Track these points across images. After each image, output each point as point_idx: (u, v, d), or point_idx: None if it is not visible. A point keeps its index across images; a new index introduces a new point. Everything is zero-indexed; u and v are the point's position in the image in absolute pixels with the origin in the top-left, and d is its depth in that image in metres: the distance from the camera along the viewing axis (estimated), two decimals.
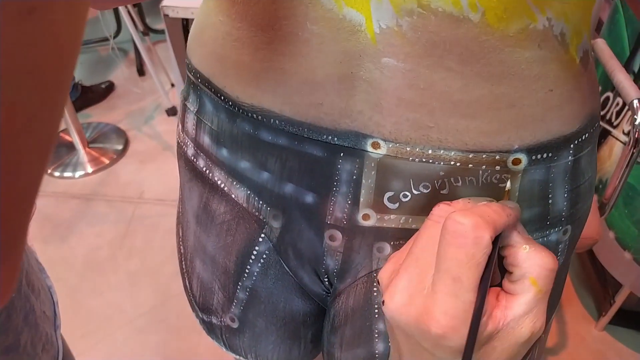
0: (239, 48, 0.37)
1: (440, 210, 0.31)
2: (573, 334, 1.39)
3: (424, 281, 0.30)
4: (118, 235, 1.71)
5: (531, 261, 0.30)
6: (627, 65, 1.24)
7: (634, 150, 0.92)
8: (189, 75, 0.43)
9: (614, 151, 1.27)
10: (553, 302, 0.44)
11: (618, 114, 1.27)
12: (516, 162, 0.34)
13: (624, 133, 1.22)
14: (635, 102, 0.90)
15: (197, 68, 0.41)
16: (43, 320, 0.44)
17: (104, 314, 1.47)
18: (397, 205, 0.37)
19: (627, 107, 1.20)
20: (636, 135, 0.90)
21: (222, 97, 0.39)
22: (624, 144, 1.21)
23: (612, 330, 1.39)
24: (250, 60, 0.36)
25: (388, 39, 0.31)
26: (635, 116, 0.90)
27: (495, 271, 0.33)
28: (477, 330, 0.28)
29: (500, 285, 0.32)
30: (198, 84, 0.42)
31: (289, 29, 0.34)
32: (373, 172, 0.36)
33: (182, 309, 1.46)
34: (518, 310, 0.29)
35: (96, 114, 2.30)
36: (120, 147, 2.08)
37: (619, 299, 1.31)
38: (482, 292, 0.28)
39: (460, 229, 0.28)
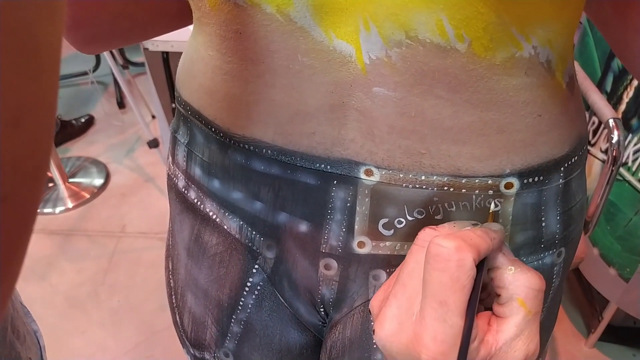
0: (229, 81, 0.37)
1: (426, 234, 0.31)
2: (564, 352, 1.39)
3: (412, 307, 0.30)
4: (100, 270, 1.67)
5: (517, 282, 0.30)
6: (599, 86, 1.28)
7: (613, 168, 0.94)
8: (179, 107, 0.43)
9: (592, 169, 1.30)
10: (549, 325, 0.44)
11: (594, 132, 1.30)
12: (508, 186, 0.35)
13: (601, 151, 1.26)
14: (611, 121, 0.93)
15: (186, 101, 0.41)
16: None
17: (87, 352, 1.43)
18: (392, 231, 0.37)
19: (603, 126, 1.24)
20: (614, 154, 0.93)
21: (213, 129, 0.39)
22: (602, 161, 1.24)
23: (602, 346, 1.39)
24: (241, 93, 0.37)
25: (378, 69, 0.32)
26: (612, 135, 0.93)
27: (492, 295, 0.33)
28: (467, 355, 0.28)
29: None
30: (188, 117, 0.42)
31: (280, 61, 0.34)
32: (367, 199, 0.36)
33: (167, 345, 1.42)
34: (509, 333, 0.29)
35: (76, 148, 2.27)
36: (100, 181, 2.05)
37: (607, 315, 1.32)
38: (470, 316, 0.28)
39: (443, 252, 0.28)
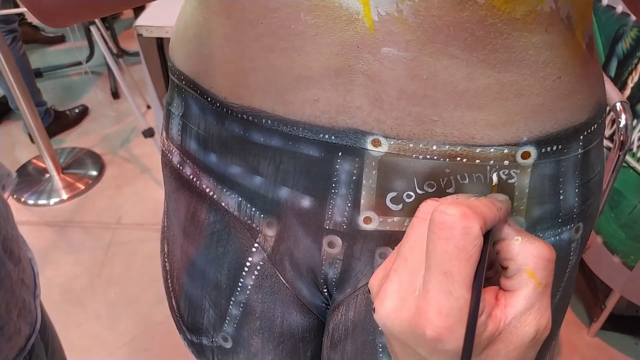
0: (225, 46, 0.35)
1: (428, 206, 0.29)
2: (566, 341, 1.38)
3: (414, 282, 0.27)
4: (96, 262, 1.65)
5: (525, 252, 0.28)
6: (603, 71, 1.26)
7: (620, 153, 0.92)
8: (173, 78, 0.41)
9: None
10: (564, 305, 0.42)
11: None
12: (525, 155, 0.33)
13: (605, 137, 1.24)
14: (619, 104, 0.90)
15: (180, 70, 0.39)
16: (20, 287, 0.44)
17: (83, 346, 1.41)
18: (400, 206, 0.34)
19: (608, 110, 1.22)
20: (622, 138, 0.91)
21: (209, 99, 0.37)
22: (607, 148, 1.23)
23: (605, 335, 1.38)
24: (238, 58, 0.34)
25: (388, 27, 0.29)
26: (619, 119, 0.90)
27: (499, 272, 0.31)
28: (475, 329, 0.26)
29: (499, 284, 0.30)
30: (182, 87, 0.39)
31: (280, 22, 0.31)
32: (374, 172, 0.34)
33: (165, 337, 1.40)
34: (518, 306, 0.27)
35: (70, 139, 2.24)
36: (95, 172, 2.03)
37: (610, 304, 1.30)
38: (477, 288, 0.26)
39: (448, 220, 0.26)
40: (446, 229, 0.26)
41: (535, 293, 0.27)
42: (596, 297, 1.39)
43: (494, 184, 0.33)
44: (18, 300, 0.43)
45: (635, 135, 1.17)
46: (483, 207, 0.27)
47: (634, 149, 1.16)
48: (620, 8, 1.18)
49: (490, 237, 0.28)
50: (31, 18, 2.91)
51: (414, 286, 0.27)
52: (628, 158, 1.16)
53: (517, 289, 0.27)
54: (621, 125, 0.89)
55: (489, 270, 0.32)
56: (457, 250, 0.25)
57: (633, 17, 1.14)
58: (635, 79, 1.17)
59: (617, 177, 1.13)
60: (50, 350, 0.58)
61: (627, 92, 1.19)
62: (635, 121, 1.15)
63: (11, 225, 0.44)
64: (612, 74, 1.23)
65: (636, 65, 1.17)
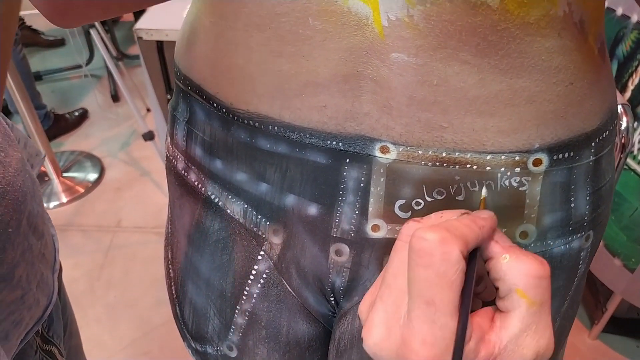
0: (232, 51, 0.34)
1: (409, 228, 0.28)
2: (567, 344, 1.37)
3: (400, 310, 0.27)
4: (95, 266, 1.64)
5: (514, 271, 0.26)
6: None
7: (622, 156, 0.92)
8: (178, 83, 0.40)
9: None
10: (572, 314, 0.42)
11: None
12: (537, 162, 0.32)
13: None
14: (619, 107, 0.90)
15: (186, 74, 0.39)
16: (40, 261, 0.45)
17: (83, 349, 1.40)
18: (409, 214, 0.34)
19: None
20: (623, 141, 0.91)
21: (215, 104, 0.37)
22: None
23: (606, 338, 1.38)
24: (245, 63, 0.34)
25: (398, 32, 0.29)
26: (620, 121, 0.90)
27: (489, 288, 0.30)
28: (461, 357, 0.25)
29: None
30: (188, 92, 0.39)
31: (288, 26, 0.31)
32: (382, 179, 0.33)
33: (165, 341, 1.40)
34: (513, 329, 0.26)
35: (70, 142, 2.24)
36: (95, 175, 2.02)
37: (611, 307, 1.30)
38: (464, 314, 0.25)
39: (426, 246, 0.25)
40: (425, 255, 0.25)
41: (529, 313, 0.26)
42: (597, 300, 1.39)
43: (482, 197, 0.32)
44: (37, 272, 0.45)
45: (636, 138, 1.17)
46: (464, 228, 0.26)
47: (635, 152, 1.16)
48: (620, 10, 1.18)
49: (477, 256, 0.27)
50: (31, 21, 2.90)
51: (399, 314, 0.27)
52: (629, 161, 1.16)
53: (510, 310, 0.26)
54: (622, 127, 0.89)
55: (478, 286, 0.31)
56: (437, 278, 0.25)
57: (633, 20, 1.14)
58: (636, 81, 1.17)
59: (618, 180, 1.13)
60: (68, 331, 0.60)
61: (628, 94, 1.19)
62: (636, 124, 1.15)
63: (37, 202, 0.45)
64: (612, 76, 1.23)
65: (636, 67, 1.17)
